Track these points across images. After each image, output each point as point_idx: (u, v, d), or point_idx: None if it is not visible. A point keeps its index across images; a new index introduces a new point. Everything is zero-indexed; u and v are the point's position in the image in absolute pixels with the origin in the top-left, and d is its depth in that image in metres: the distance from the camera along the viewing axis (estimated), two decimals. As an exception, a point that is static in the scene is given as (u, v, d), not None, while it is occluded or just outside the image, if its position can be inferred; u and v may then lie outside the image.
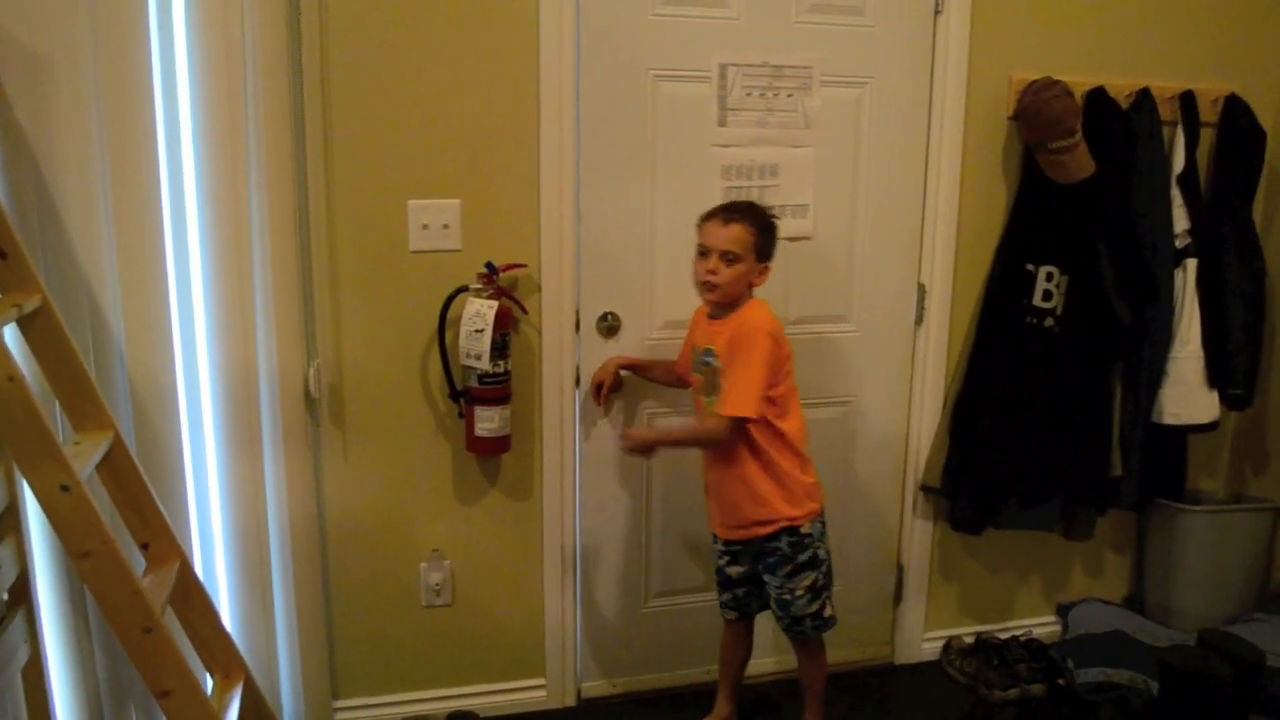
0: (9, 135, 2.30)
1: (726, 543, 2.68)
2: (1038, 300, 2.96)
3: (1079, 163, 2.85)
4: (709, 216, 2.51)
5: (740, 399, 2.42)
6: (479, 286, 2.63)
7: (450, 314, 2.65)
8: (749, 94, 2.80)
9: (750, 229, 2.46)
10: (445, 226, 2.65)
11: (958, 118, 2.95)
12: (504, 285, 2.66)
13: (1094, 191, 2.88)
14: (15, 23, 2.25)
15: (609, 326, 2.83)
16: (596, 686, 3.08)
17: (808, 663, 2.74)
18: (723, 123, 2.80)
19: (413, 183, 2.62)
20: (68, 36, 2.30)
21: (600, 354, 2.83)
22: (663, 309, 2.87)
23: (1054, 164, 2.87)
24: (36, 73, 2.30)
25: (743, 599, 2.74)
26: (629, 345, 2.87)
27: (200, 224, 2.49)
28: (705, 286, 2.50)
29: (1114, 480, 3.11)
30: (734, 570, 2.71)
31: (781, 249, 2.69)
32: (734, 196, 2.73)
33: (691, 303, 2.67)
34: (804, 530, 2.55)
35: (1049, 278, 2.95)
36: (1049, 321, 2.97)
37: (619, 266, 2.82)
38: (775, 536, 2.56)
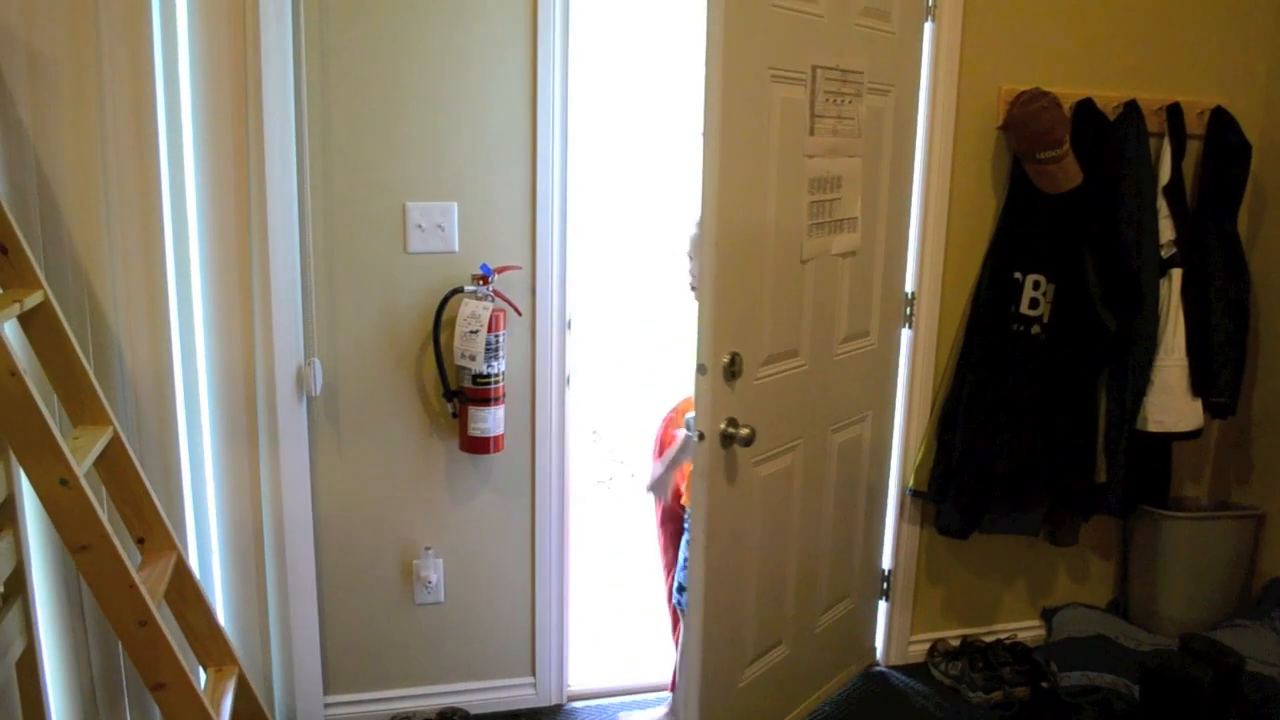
0: (11, 132, 2.32)
1: None
2: (1025, 308, 3.00)
3: (1067, 173, 2.89)
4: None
5: None
6: (474, 288, 2.66)
7: (446, 315, 2.68)
8: (828, 100, 2.55)
9: None
10: (441, 228, 2.67)
11: (948, 127, 2.98)
12: (499, 287, 2.68)
13: (1081, 201, 2.92)
14: (19, 21, 2.28)
15: (733, 371, 2.40)
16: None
17: None
18: (812, 130, 2.52)
19: (410, 185, 2.65)
20: (71, 36, 2.33)
21: (724, 403, 2.40)
22: (769, 343, 2.54)
23: (1042, 174, 2.90)
24: (39, 71, 2.33)
25: None
26: (746, 389, 2.47)
27: (199, 223, 2.51)
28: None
29: (1099, 486, 3.15)
30: None
31: (835, 265, 2.69)
32: (815, 213, 2.57)
33: (782, 335, 2.57)
34: None
35: (1036, 286, 2.99)
36: (1036, 329, 3.00)
37: (742, 297, 2.42)
38: None
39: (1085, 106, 2.98)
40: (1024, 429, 3.04)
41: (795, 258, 2.56)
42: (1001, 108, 2.98)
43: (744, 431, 2.39)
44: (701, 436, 2.37)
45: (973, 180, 3.05)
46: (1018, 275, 3.00)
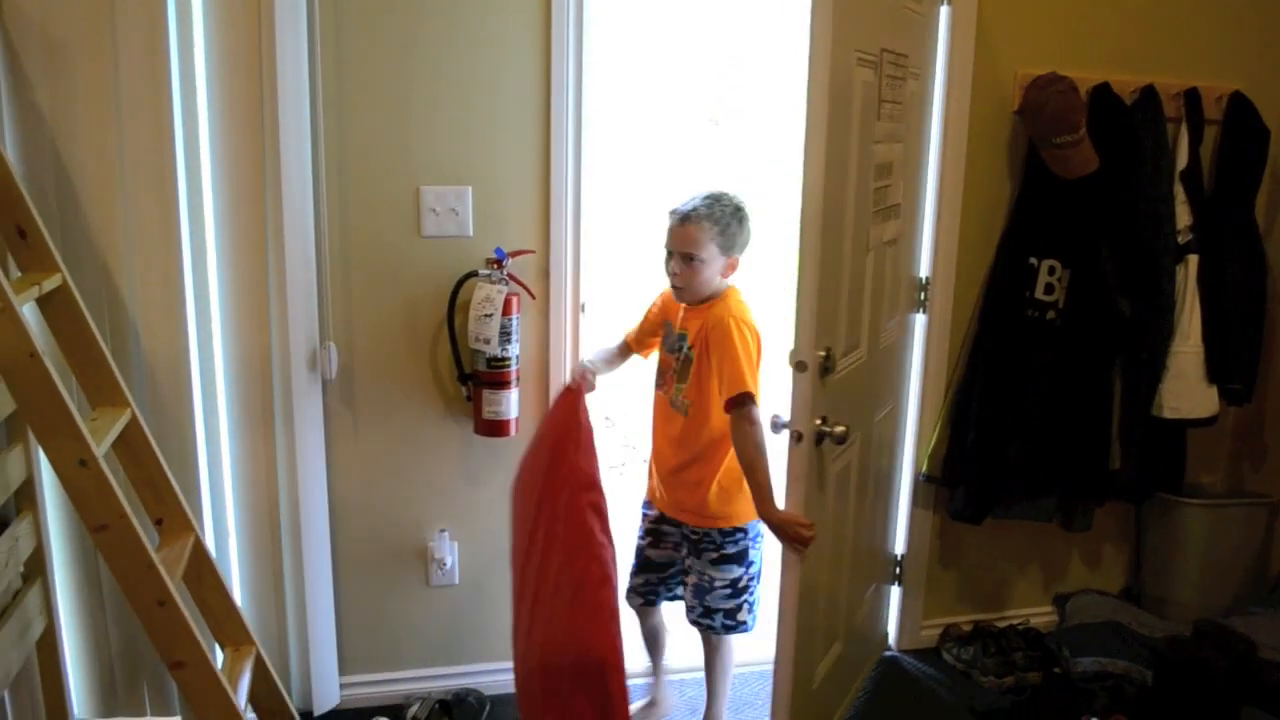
0: (29, 118, 2.34)
1: (664, 521, 2.69)
2: (1040, 293, 2.99)
3: (1083, 158, 2.87)
4: (671, 215, 2.51)
5: (738, 380, 2.39)
6: (488, 272, 2.66)
7: (460, 298, 2.68)
8: (888, 84, 2.49)
9: (708, 228, 2.44)
10: (455, 212, 2.68)
11: (963, 111, 2.97)
12: (513, 271, 2.69)
13: (1097, 187, 2.90)
14: (36, 7, 2.30)
15: (827, 367, 2.33)
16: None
17: (713, 661, 2.73)
18: (879, 115, 2.46)
19: (424, 169, 2.65)
20: (88, 21, 2.34)
21: (819, 401, 2.32)
22: (844, 335, 2.48)
23: (1058, 159, 2.89)
24: (56, 56, 2.34)
25: (654, 585, 2.77)
26: (832, 385, 2.39)
27: (215, 207, 2.53)
28: (674, 288, 2.55)
29: (1113, 472, 3.14)
30: (655, 553, 2.73)
31: (882, 254, 2.67)
32: (877, 200, 2.54)
33: (857, 323, 2.56)
34: (744, 526, 2.59)
35: (1051, 271, 2.98)
36: (1050, 314, 2.99)
37: (832, 289, 2.36)
38: (725, 531, 2.58)
39: (1102, 91, 2.96)
40: (1038, 414, 3.03)
41: (863, 246, 2.51)
42: (1017, 92, 2.96)
43: (838, 429, 2.34)
44: (800, 438, 2.29)
45: (988, 165, 3.03)
46: (1033, 261, 2.98)
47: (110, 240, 2.43)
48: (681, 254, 2.47)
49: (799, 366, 2.28)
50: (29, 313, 1.95)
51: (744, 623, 2.64)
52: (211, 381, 2.61)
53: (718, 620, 2.62)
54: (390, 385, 2.75)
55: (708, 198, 2.49)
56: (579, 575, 2.38)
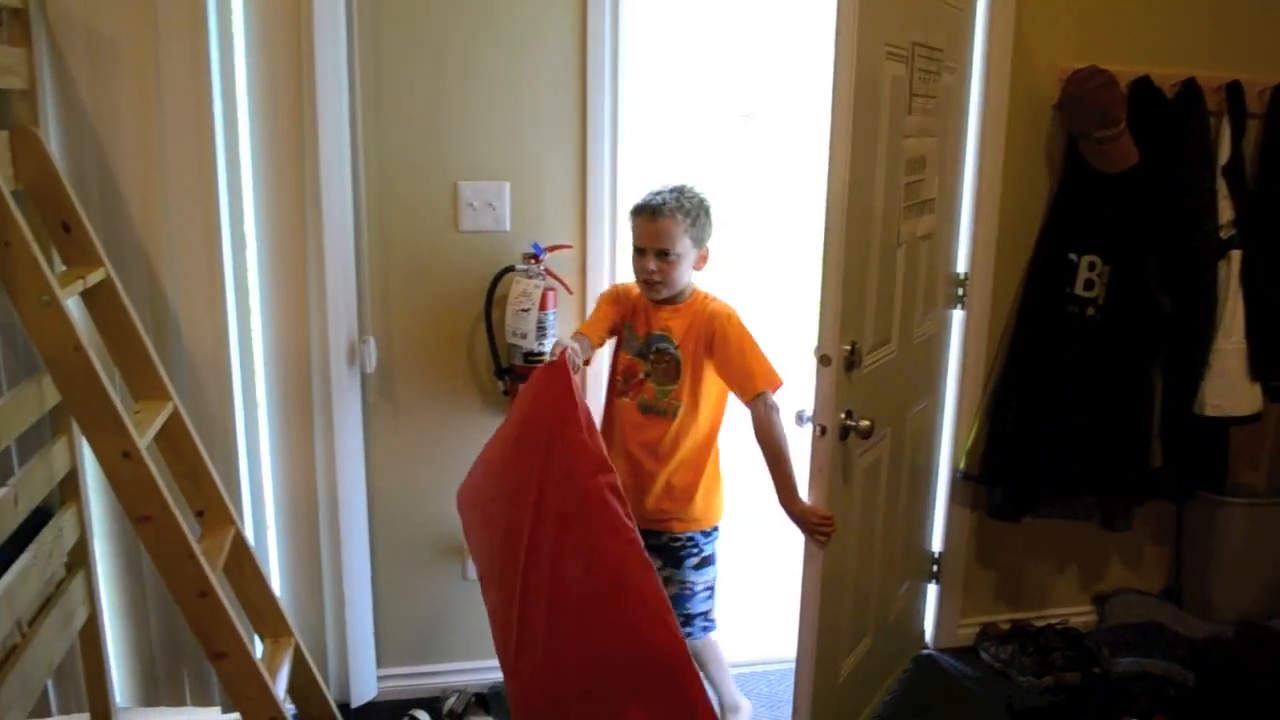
0: (72, 114, 2.37)
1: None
2: (1079, 289, 2.96)
3: (1123, 152, 2.84)
4: (637, 212, 2.46)
5: (769, 372, 2.40)
6: (525, 267, 2.67)
7: (497, 293, 2.70)
8: (920, 78, 2.50)
9: (680, 220, 2.40)
10: (493, 207, 2.69)
11: (1002, 105, 2.94)
12: (549, 266, 2.70)
13: (1138, 181, 2.87)
14: (80, 6, 2.32)
15: (853, 361, 2.34)
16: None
17: (705, 661, 2.64)
18: (910, 110, 2.47)
19: (462, 164, 2.66)
20: (130, 19, 2.37)
21: (845, 395, 2.33)
22: (873, 330, 2.50)
23: (1098, 153, 2.86)
24: (99, 52, 2.37)
25: None
26: (859, 379, 2.40)
27: (255, 201, 2.55)
28: (648, 286, 2.47)
29: (1154, 471, 3.10)
30: None
31: (914, 249, 2.67)
32: (908, 194, 2.54)
33: (881, 320, 2.53)
34: (718, 523, 2.58)
35: (1091, 267, 2.95)
36: (1090, 311, 2.96)
37: (858, 283, 2.36)
38: (706, 533, 2.56)
39: (1142, 85, 2.93)
40: (1077, 412, 3.00)
41: (893, 241, 2.51)
42: (1056, 86, 2.94)
43: (864, 423, 2.35)
44: (823, 431, 2.30)
45: (1026, 160, 3.01)
46: (1072, 256, 2.96)
47: (152, 235, 2.46)
48: (657, 250, 2.42)
49: (823, 360, 2.28)
50: (73, 306, 1.98)
51: (714, 619, 2.64)
52: (251, 375, 2.64)
53: (697, 625, 2.59)
54: (428, 379, 2.76)
55: (673, 191, 2.45)
56: (614, 566, 2.11)
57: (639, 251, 2.46)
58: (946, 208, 2.87)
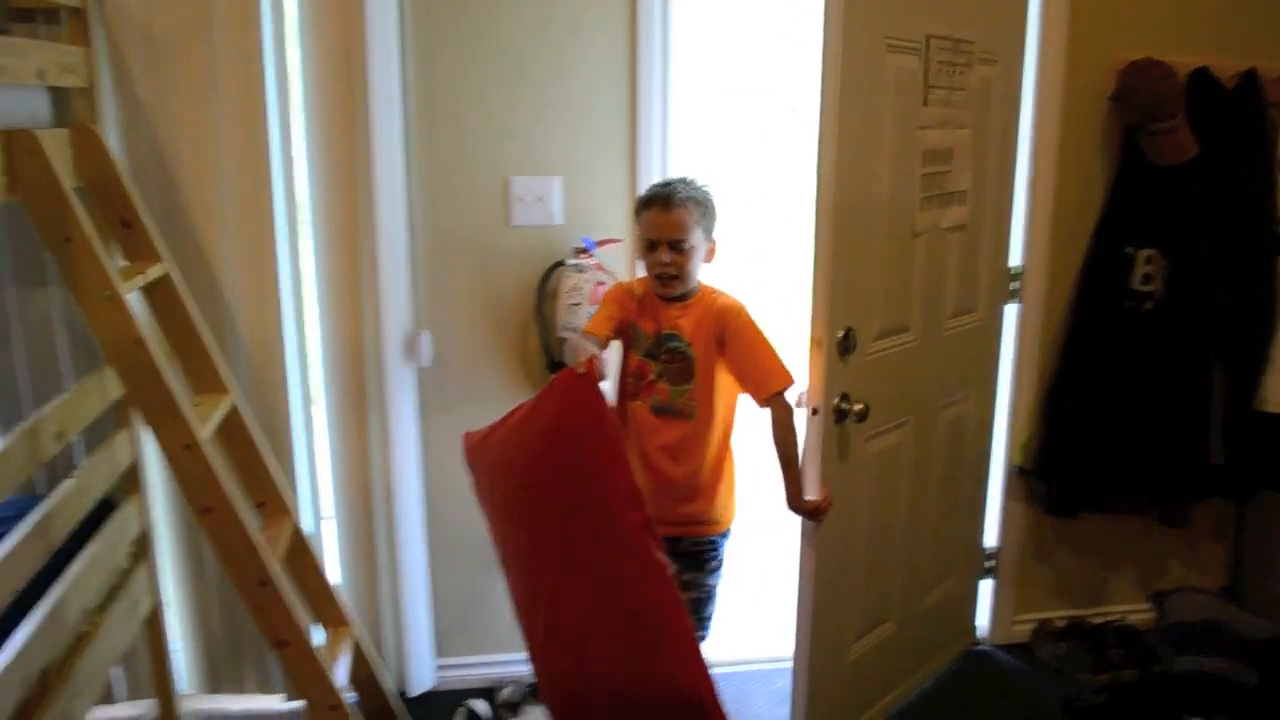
0: (131, 111, 2.42)
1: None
2: (1137, 284, 2.92)
3: (1181, 144, 2.80)
4: (648, 204, 2.37)
5: (782, 369, 2.33)
6: (576, 261, 2.68)
7: (548, 287, 2.71)
8: (940, 70, 2.51)
9: (693, 209, 2.33)
10: (543, 202, 2.71)
11: (1056, 98, 2.91)
12: (600, 260, 2.70)
13: (1196, 174, 2.83)
14: (138, 5, 2.38)
15: (847, 346, 2.39)
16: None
17: None
18: (926, 101, 2.49)
19: (513, 159, 2.69)
20: (186, 17, 2.41)
21: (838, 378, 2.38)
22: (880, 317, 2.53)
23: (1155, 146, 2.82)
24: (156, 51, 2.42)
25: None
26: (859, 363, 2.44)
27: (310, 197, 2.58)
28: (663, 281, 2.38)
29: (1213, 467, 3.05)
30: None
31: (945, 239, 2.67)
32: (927, 185, 2.55)
33: (894, 309, 2.55)
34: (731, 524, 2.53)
35: (1149, 261, 2.91)
36: (1148, 305, 2.92)
37: (856, 271, 2.40)
38: (724, 535, 2.51)
39: (1200, 76, 2.87)
40: (1135, 407, 2.96)
41: (908, 231, 2.53)
42: (1112, 78, 2.89)
43: (858, 407, 2.38)
44: (815, 411, 2.34)
45: (1082, 152, 2.97)
46: (1129, 250, 2.92)
47: (209, 230, 2.50)
48: (671, 241, 2.33)
49: (814, 343, 2.32)
50: (134, 301, 2.01)
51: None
52: (307, 369, 2.67)
53: (707, 629, 2.54)
54: (481, 372, 2.78)
55: (680, 181, 2.39)
56: (651, 605, 2.10)
57: (650, 245, 2.37)
58: (988, 200, 2.83)
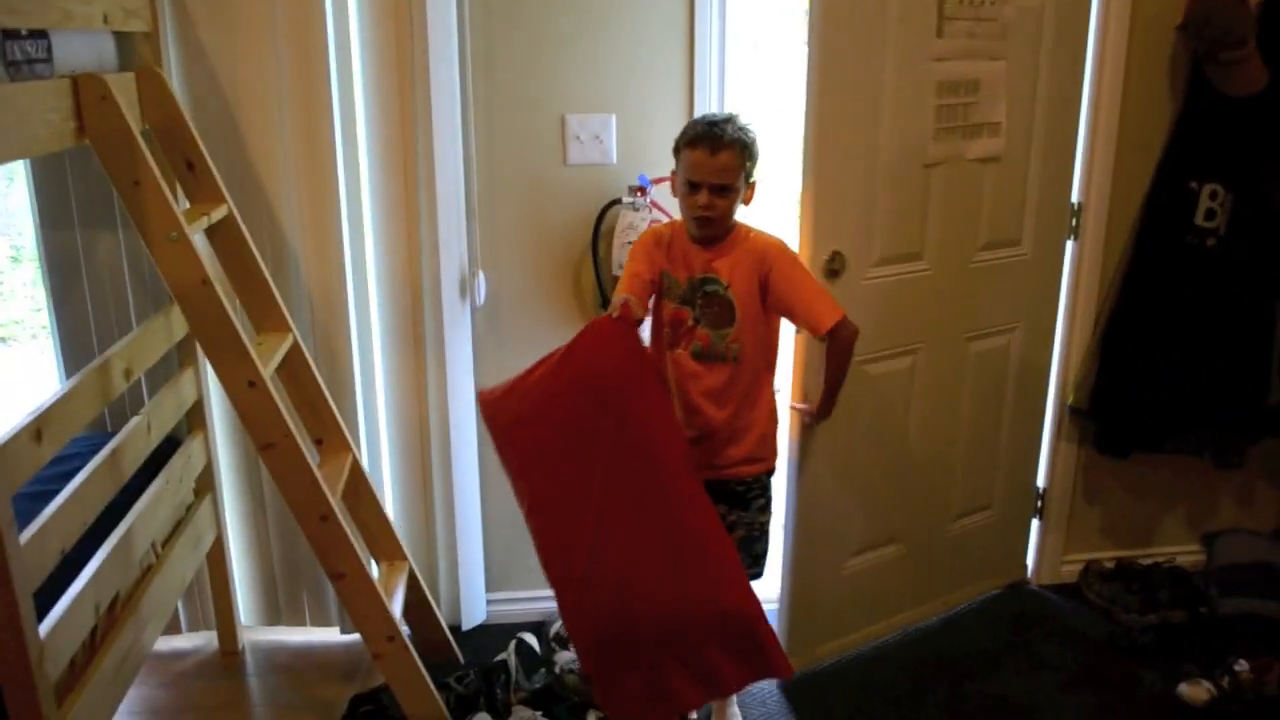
0: (193, 55, 2.44)
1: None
2: (1200, 219, 2.86)
3: (1251, 75, 2.73)
4: (693, 143, 2.24)
5: (831, 303, 2.30)
6: (631, 200, 2.68)
7: (604, 226, 2.71)
8: (960, 2, 2.51)
9: (739, 153, 2.22)
10: (599, 140, 2.69)
11: (1122, 27, 2.83)
12: (656, 199, 2.69)
13: (1266, 106, 2.76)
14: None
15: (834, 269, 2.50)
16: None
17: None
18: (940, 33, 2.49)
19: (569, 98, 2.67)
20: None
21: None
22: (880, 244, 2.60)
23: (1224, 76, 2.75)
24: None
25: None
26: (851, 287, 2.54)
27: (368, 138, 2.59)
28: (700, 222, 2.28)
29: (1271, 407, 3.02)
30: None
31: (973, 171, 2.66)
32: (945, 117, 2.56)
33: (900, 238, 2.61)
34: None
35: (1213, 196, 2.85)
36: (1211, 241, 2.87)
37: (844, 198, 2.50)
38: (770, 472, 2.50)
39: (1273, 3, 2.78)
40: (1193, 346, 2.93)
41: (917, 161, 2.58)
42: (1181, 5, 2.81)
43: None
44: (799, 329, 2.45)
45: (1148, 84, 2.89)
46: (1194, 185, 2.86)
47: (270, 171, 2.52)
48: (716, 185, 2.23)
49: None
50: (198, 242, 2.04)
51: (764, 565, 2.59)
52: (366, 307, 2.70)
53: (762, 565, 2.54)
54: (536, 311, 2.80)
55: (729, 121, 2.26)
56: (697, 531, 2.19)
57: (692, 186, 2.26)
58: (1037, 133, 2.80)
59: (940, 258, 2.71)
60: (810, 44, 2.35)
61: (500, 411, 2.32)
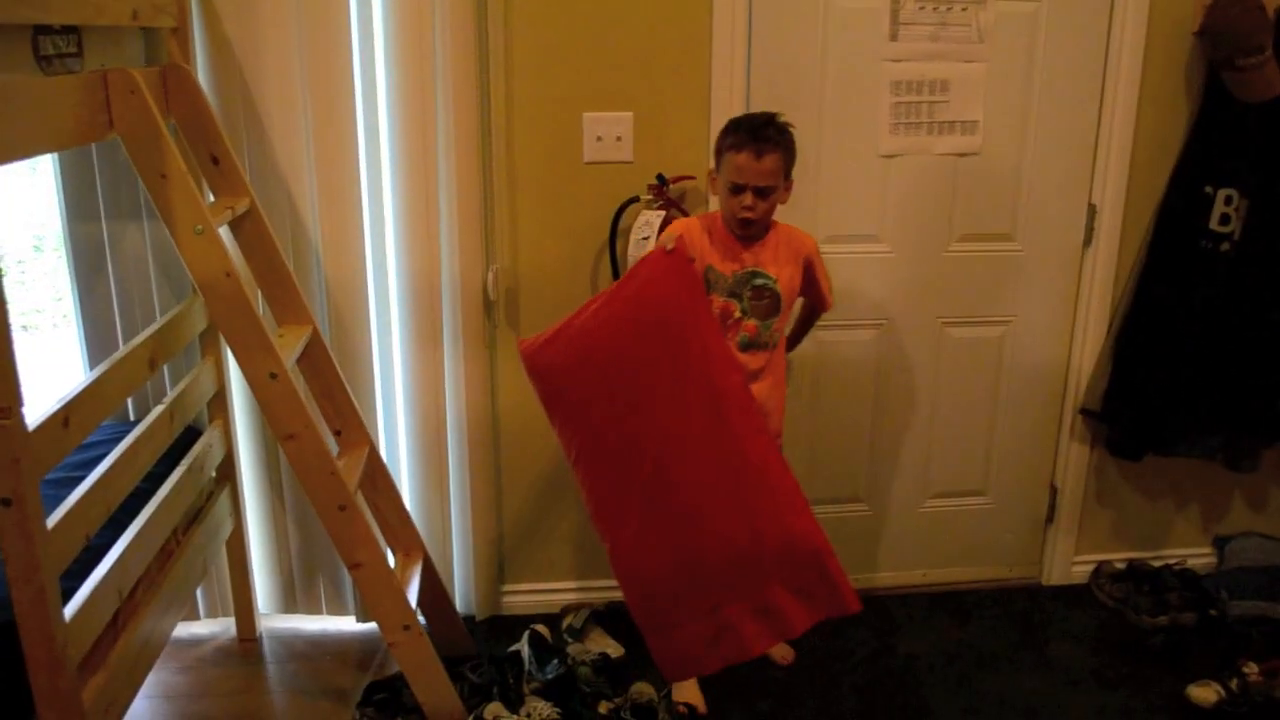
0: (219, 50, 2.46)
1: None
2: (1214, 224, 2.87)
3: (1268, 81, 2.73)
4: (737, 147, 2.31)
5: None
6: (649, 198, 2.70)
7: (621, 224, 2.73)
8: (921, 8, 2.75)
9: (782, 157, 2.32)
10: (618, 139, 2.71)
11: (1139, 33, 2.84)
12: (673, 197, 2.71)
13: (1283, 112, 2.77)
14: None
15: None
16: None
17: None
18: (894, 37, 2.77)
19: (587, 96, 2.69)
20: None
21: None
22: (824, 225, 2.84)
23: (1241, 82, 2.75)
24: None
25: None
26: None
27: (389, 133, 2.61)
28: (744, 222, 2.35)
29: (1286, 412, 3.03)
30: None
31: (947, 165, 2.80)
32: (902, 113, 2.80)
33: (852, 219, 2.90)
34: None
35: (1228, 201, 2.85)
36: (1225, 246, 2.87)
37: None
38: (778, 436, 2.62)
39: (1292, 10, 2.79)
40: (1206, 349, 2.94)
41: (871, 152, 2.84)
42: (1198, 10, 2.81)
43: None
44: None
45: (1163, 89, 2.90)
46: (1209, 189, 2.87)
47: (293, 166, 2.55)
48: (758, 187, 2.31)
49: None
50: (222, 235, 2.08)
51: None
52: (386, 301, 2.73)
53: None
54: (553, 307, 2.80)
55: (772, 125, 2.33)
56: (759, 463, 2.25)
57: (736, 188, 2.33)
58: (1037, 134, 2.92)
59: (901, 242, 2.95)
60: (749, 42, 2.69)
61: (543, 360, 2.38)
